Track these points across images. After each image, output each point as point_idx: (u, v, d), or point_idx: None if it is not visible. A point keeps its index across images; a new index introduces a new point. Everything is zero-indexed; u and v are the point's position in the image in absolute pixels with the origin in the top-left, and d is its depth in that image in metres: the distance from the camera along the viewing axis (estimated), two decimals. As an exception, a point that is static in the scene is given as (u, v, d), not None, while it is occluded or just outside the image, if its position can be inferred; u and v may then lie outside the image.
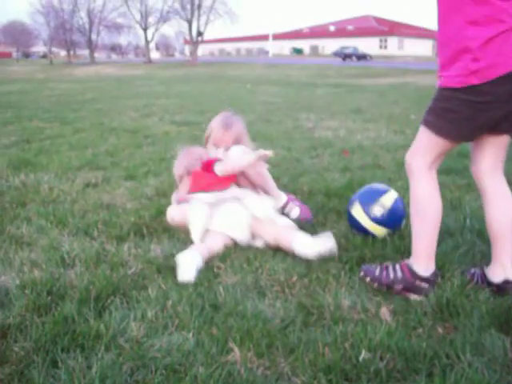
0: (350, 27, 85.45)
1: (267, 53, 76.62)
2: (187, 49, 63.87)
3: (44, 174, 4.23)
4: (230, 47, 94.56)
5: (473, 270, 2.15)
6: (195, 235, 2.58)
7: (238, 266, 2.31)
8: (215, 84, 21.54)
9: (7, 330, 1.75)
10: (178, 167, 3.10)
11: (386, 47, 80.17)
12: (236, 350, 1.64)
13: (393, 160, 4.84)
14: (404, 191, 3.60)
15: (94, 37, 59.04)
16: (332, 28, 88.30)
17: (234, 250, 2.50)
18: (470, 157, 2.15)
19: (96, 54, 61.76)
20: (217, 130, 3.11)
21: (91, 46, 58.95)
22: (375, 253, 2.43)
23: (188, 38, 55.71)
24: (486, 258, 2.25)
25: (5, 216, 3.11)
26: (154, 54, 62.70)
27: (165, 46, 77.93)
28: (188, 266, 2.21)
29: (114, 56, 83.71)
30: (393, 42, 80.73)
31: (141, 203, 3.38)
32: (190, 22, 51.31)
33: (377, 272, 2.10)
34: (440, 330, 1.78)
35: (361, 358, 1.55)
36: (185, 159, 3.09)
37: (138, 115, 9.20)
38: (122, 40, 74.01)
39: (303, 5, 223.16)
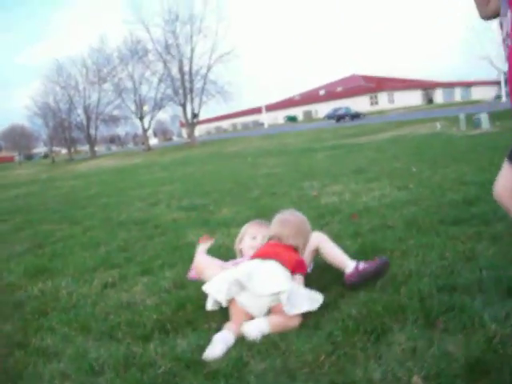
0: (339, 88, 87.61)
1: (262, 124, 78.10)
2: (184, 131, 65.19)
3: (61, 278, 4.28)
4: (225, 124, 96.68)
5: None
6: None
7: (264, 351, 2.32)
8: (216, 163, 21.94)
9: None
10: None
11: (376, 103, 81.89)
12: None
13: (400, 218, 4.89)
14: (417, 249, 3.65)
15: (92, 131, 60.67)
16: (322, 92, 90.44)
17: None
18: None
19: (96, 148, 63.19)
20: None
21: (90, 140, 60.48)
22: (397, 318, 2.45)
23: (184, 120, 57.16)
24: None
25: (28, 328, 3.14)
26: (153, 141, 64.15)
27: (162, 131, 79.72)
28: (216, 343, 2.31)
29: (113, 147, 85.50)
30: (383, 96, 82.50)
31: (160, 297, 3.41)
32: (184, 106, 52.73)
33: None
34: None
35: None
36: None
37: (144, 205, 9.33)
38: (120, 131, 75.82)
39: (292, 73, 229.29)
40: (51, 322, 3.17)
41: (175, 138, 66.74)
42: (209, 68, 52.27)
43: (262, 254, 2.96)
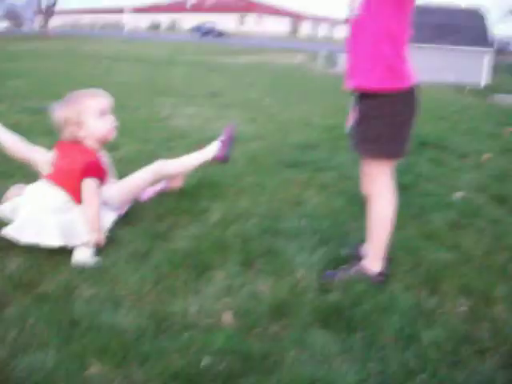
0: (208, 2, 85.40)
1: (123, 27, 74.39)
2: (38, 20, 60.06)
3: None
4: (85, 20, 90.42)
5: None
6: None
7: (93, 277, 2.46)
8: (68, 61, 20.66)
9: None
10: (67, 112, 2.85)
11: (243, 24, 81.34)
12: (95, 364, 1.82)
13: (243, 153, 5.11)
14: (252, 187, 3.92)
15: None
16: (190, 2, 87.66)
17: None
18: None
19: None
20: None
21: None
22: (220, 256, 2.70)
23: (41, 8, 52.42)
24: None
25: None
26: (1, 24, 58.33)
27: (14, 16, 72.60)
28: None
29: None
30: (250, 18, 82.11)
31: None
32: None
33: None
34: (275, 329, 2.09)
35: (201, 364, 1.80)
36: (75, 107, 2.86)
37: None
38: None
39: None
40: None
41: (30, 26, 61.23)
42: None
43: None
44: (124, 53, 26.77)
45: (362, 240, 2.74)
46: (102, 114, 2.87)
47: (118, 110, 7.65)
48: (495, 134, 7.27)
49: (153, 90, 10.65)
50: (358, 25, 2.34)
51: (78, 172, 2.72)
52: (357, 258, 2.65)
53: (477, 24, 20.79)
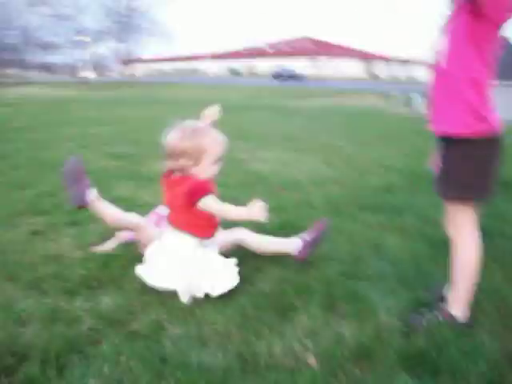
0: (286, 48, 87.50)
1: (204, 72, 77.10)
2: (123, 69, 63.38)
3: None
4: (167, 67, 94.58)
5: None
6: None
7: (181, 317, 2.57)
8: (152, 107, 21.60)
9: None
10: (188, 145, 2.86)
11: (320, 67, 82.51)
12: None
13: (323, 197, 5.18)
14: (332, 232, 3.96)
15: (25, 55, 57.78)
16: (268, 49, 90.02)
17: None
18: None
19: (27, 74, 60.32)
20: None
21: (23, 65, 57.67)
22: (304, 298, 2.75)
23: (125, 57, 55.56)
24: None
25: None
26: (90, 74, 61.89)
27: (100, 66, 76.96)
28: None
29: (45, 75, 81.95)
30: (327, 62, 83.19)
31: (87, 252, 3.56)
32: (125, 43, 51.26)
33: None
34: (359, 373, 2.11)
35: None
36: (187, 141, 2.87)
37: (74, 146, 9.14)
38: (55, 59, 72.74)
39: (238, 26, 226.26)
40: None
41: (113, 75, 64.74)
42: (153, 7, 50.98)
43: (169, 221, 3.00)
44: (202, 98, 27.61)
45: (443, 280, 2.72)
46: (217, 161, 2.98)
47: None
48: None
49: (230, 134, 10.91)
50: (441, 71, 2.39)
51: (188, 199, 2.78)
52: (439, 300, 2.64)
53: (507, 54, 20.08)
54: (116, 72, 65.13)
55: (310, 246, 3.26)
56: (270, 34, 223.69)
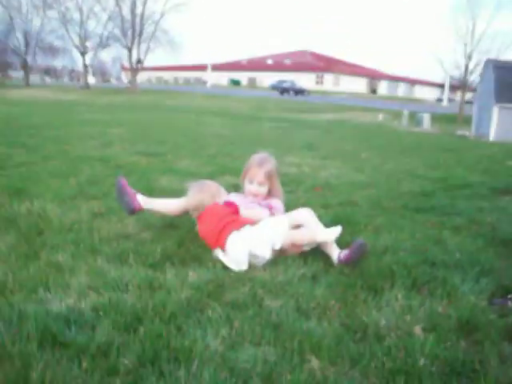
0: (287, 61, 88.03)
1: (205, 82, 77.46)
2: (124, 75, 63.52)
3: (42, 201, 4.38)
4: (168, 75, 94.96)
5: None
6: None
7: (275, 291, 2.65)
8: (159, 113, 21.77)
9: (107, 348, 2.00)
10: (193, 199, 3.52)
11: (322, 83, 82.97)
12: (313, 359, 1.98)
13: (364, 197, 5.28)
14: (388, 226, 4.05)
15: (29, 59, 57.84)
16: (270, 61, 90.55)
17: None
18: None
19: (30, 77, 60.32)
20: (253, 167, 3.67)
21: (26, 68, 57.70)
22: (386, 281, 2.84)
23: (126, 64, 55.72)
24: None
25: (31, 243, 3.28)
26: (91, 79, 61.96)
27: (101, 72, 77.13)
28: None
29: (48, 79, 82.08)
30: (329, 77, 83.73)
31: (154, 232, 3.64)
32: (130, 49, 51.42)
33: None
34: (466, 344, 2.19)
35: (420, 364, 1.93)
36: (200, 193, 3.49)
37: (97, 144, 9.26)
38: (57, 63, 72.89)
39: (241, 37, 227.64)
40: (53, 241, 3.34)
41: (113, 81, 64.89)
42: (162, 14, 51.18)
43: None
44: (209, 107, 27.82)
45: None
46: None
47: (225, 156, 8.17)
48: None
49: (249, 142, 11.04)
50: None
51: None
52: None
53: None
54: (119, 78, 65.25)
55: (355, 254, 3.10)
56: (273, 47, 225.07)
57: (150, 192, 5.01)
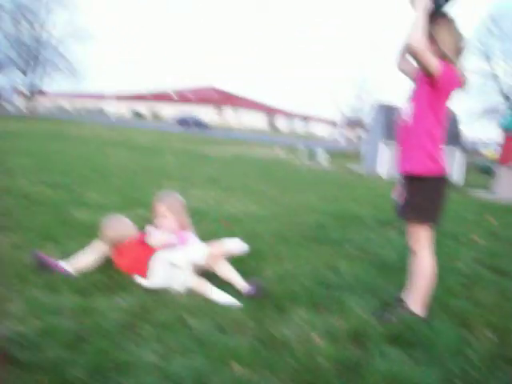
0: (189, 94, 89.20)
1: (106, 113, 76.46)
2: (20, 101, 61.22)
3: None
4: (68, 103, 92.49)
5: None
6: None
7: (198, 311, 3.07)
8: (61, 143, 21.39)
9: (59, 362, 2.33)
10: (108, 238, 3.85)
11: (222, 116, 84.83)
12: (235, 365, 2.42)
13: (267, 230, 5.74)
14: (286, 256, 4.59)
15: None
16: (172, 94, 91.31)
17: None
18: None
19: None
20: (156, 202, 4.04)
21: None
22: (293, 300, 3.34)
23: (23, 89, 53.55)
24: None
25: None
26: (-16, 105, 59.17)
27: (-3, 97, 73.76)
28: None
29: None
30: (229, 111, 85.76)
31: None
32: (25, 73, 49.57)
33: None
34: (355, 346, 2.72)
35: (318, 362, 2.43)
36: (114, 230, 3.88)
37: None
38: None
39: (143, 69, 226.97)
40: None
41: (9, 107, 62.36)
42: (60, 40, 49.75)
43: None
44: (110, 138, 27.62)
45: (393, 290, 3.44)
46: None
47: (131, 188, 8.36)
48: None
49: (154, 175, 11.23)
50: (407, 127, 3.19)
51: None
52: (398, 302, 3.32)
53: (450, 124, 22.29)
54: (15, 105, 62.74)
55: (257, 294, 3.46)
56: (176, 80, 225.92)
57: (64, 225, 5.19)
